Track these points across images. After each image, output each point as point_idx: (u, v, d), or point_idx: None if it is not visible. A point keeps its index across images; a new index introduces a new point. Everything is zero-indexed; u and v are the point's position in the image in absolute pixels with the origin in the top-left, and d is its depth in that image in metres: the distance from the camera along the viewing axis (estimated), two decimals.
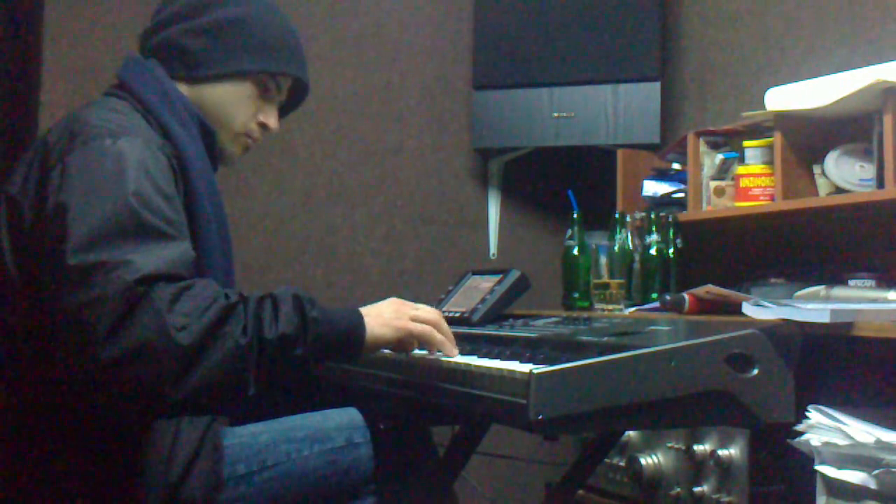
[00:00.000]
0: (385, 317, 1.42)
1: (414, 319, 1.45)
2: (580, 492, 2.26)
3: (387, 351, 1.53)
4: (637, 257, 2.34)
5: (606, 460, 2.23)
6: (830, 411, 1.58)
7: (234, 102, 1.61)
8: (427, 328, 1.46)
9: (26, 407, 1.35)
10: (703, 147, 2.40)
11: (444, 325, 1.51)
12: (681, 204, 2.46)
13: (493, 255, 3.13)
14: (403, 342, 1.45)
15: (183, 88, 1.56)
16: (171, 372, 1.21)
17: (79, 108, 1.47)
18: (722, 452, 1.91)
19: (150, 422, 1.35)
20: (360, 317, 1.39)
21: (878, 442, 1.47)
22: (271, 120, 1.66)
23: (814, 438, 1.56)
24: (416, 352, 1.51)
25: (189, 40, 1.57)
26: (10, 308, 1.36)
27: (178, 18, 1.58)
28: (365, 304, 1.46)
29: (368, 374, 1.67)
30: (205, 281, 1.31)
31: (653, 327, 1.60)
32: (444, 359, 1.47)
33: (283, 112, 1.74)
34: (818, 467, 1.56)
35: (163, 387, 1.21)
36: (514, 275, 2.00)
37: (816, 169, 2.12)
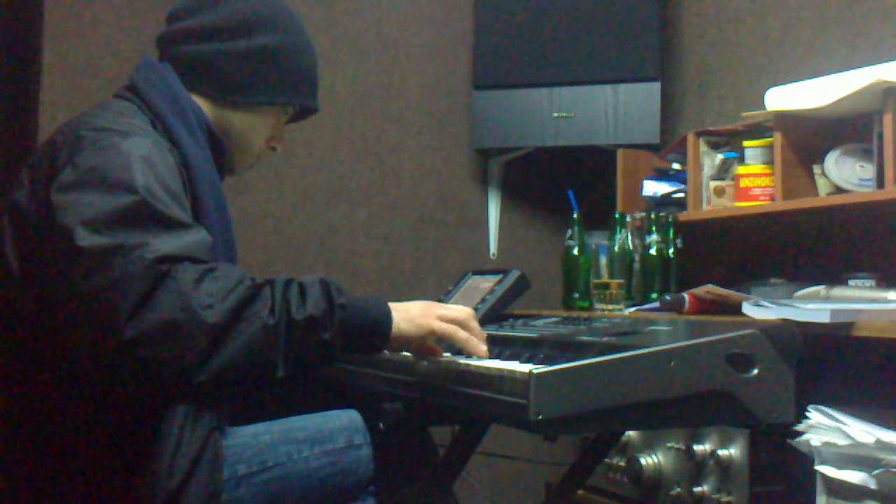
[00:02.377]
0: (412, 313, 1.40)
1: (441, 318, 1.43)
2: (580, 492, 2.26)
3: (408, 354, 1.52)
4: (637, 257, 2.34)
5: (606, 460, 2.23)
6: (830, 411, 1.58)
7: (257, 129, 1.62)
8: (451, 327, 1.43)
9: (26, 415, 1.35)
10: (703, 147, 2.41)
11: (473, 322, 1.47)
12: (681, 204, 2.46)
13: (493, 255, 3.13)
14: (426, 340, 1.43)
15: (203, 104, 1.55)
16: (197, 351, 1.19)
17: (86, 110, 1.46)
18: (722, 452, 1.91)
19: (157, 425, 1.35)
20: (388, 309, 1.37)
21: (878, 442, 1.47)
22: (281, 143, 1.69)
23: (814, 438, 1.57)
24: (445, 355, 1.49)
25: (229, 64, 1.55)
26: (14, 317, 1.35)
27: (215, 35, 1.55)
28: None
29: (369, 374, 1.67)
30: (228, 264, 1.30)
31: (653, 327, 1.60)
32: (462, 361, 1.45)
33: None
34: (818, 467, 1.56)
35: (188, 366, 1.19)
36: (514, 275, 2.00)
37: (816, 169, 2.12)
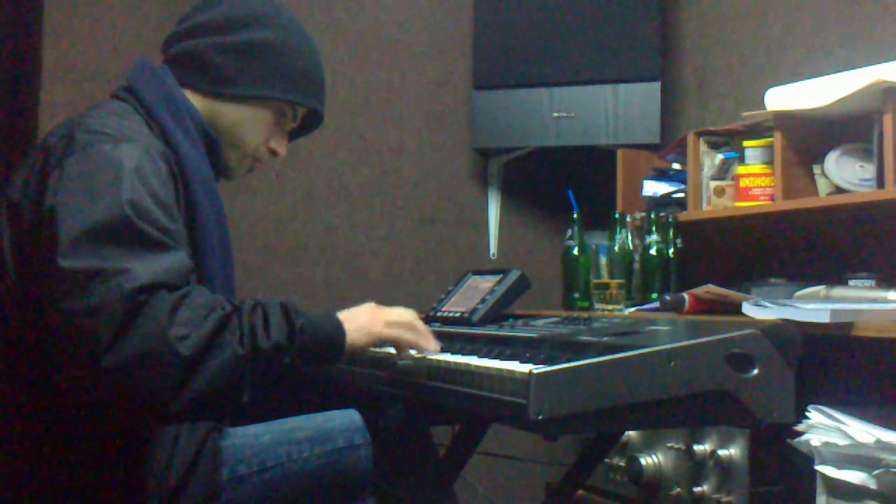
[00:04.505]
0: (361, 322, 1.44)
1: (388, 324, 1.48)
2: (580, 492, 2.25)
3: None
4: (637, 257, 2.34)
5: (606, 460, 2.23)
6: (830, 411, 1.58)
7: (250, 125, 1.60)
8: (397, 331, 1.49)
9: (25, 413, 1.35)
10: (703, 147, 2.40)
11: (418, 322, 1.53)
12: (681, 204, 2.46)
13: (493, 255, 3.13)
14: (376, 347, 1.48)
15: (196, 99, 1.55)
16: (172, 381, 1.22)
17: (82, 112, 1.46)
18: (722, 452, 1.91)
19: (149, 428, 1.36)
20: (340, 324, 1.41)
21: (878, 442, 1.47)
22: (282, 147, 1.67)
23: (814, 438, 1.57)
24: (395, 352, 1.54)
25: (218, 56, 1.55)
26: (9, 312, 1.35)
27: (208, 30, 1.56)
28: (364, 303, 1.48)
29: (368, 374, 1.67)
30: (199, 288, 1.31)
31: (653, 327, 1.60)
32: (430, 356, 1.49)
33: (293, 136, 1.74)
34: (818, 467, 1.56)
35: (163, 396, 1.22)
36: (514, 275, 2.00)
37: (816, 169, 2.12)
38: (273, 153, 1.67)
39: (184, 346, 1.22)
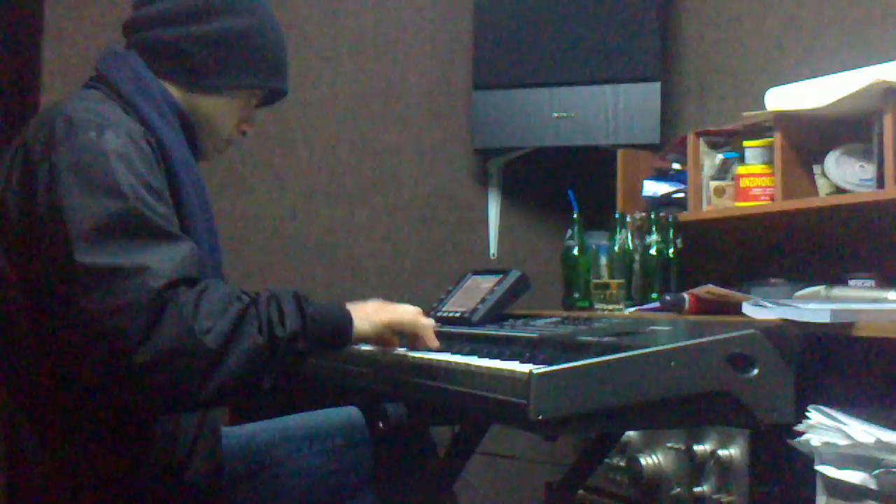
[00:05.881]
0: (367, 312, 1.45)
1: (393, 317, 1.49)
2: (580, 492, 2.26)
3: (367, 347, 1.56)
4: (637, 257, 2.34)
5: (606, 460, 2.23)
6: (830, 411, 1.58)
7: (226, 113, 1.61)
8: (401, 323, 1.49)
9: (32, 399, 1.36)
10: (703, 147, 2.41)
11: (423, 319, 1.53)
12: (681, 204, 2.46)
13: (493, 255, 3.13)
14: (382, 337, 1.48)
15: (172, 89, 1.53)
16: (199, 373, 1.23)
17: (55, 101, 1.44)
18: (722, 452, 1.91)
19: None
20: (348, 312, 1.42)
21: (878, 442, 1.47)
22: (251, 127, 1.68)
23: (814, 438, 1.57)
24: (398, 350, 1.54)
25: (193, 48, 1.54)
26: (7, 305, 1.35)
27: (178, 20, 1.54)
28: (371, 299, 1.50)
29: (368, 373, 1.67)
30: (214, 281, 1.31)
31: (653, 327, 1.60)
32: (420, 355, 1.49)
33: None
34: (818, 467, 1.56)
35: (191, 388, 1.23)
36: (514, 275, 2.00)
37: (816, 169, 2.12)
38: (243, 134, 1.68)
39: (209, 338, 1.23)
